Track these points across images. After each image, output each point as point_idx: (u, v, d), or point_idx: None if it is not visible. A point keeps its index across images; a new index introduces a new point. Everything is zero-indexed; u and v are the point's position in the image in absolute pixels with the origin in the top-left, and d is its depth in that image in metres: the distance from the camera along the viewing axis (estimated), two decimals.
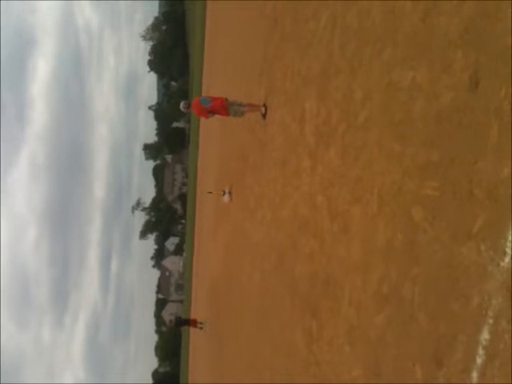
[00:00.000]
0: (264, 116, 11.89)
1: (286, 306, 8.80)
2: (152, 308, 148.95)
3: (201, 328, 28.96)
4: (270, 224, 10.76)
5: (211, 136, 34.90)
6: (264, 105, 11.98)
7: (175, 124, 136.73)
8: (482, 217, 3.62)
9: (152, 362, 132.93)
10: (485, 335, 3.37)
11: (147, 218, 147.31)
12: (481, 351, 3.38)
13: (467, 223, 3.74)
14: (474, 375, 3.41)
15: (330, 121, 7.21)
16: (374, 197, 5.51)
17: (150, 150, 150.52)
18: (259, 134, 12.69)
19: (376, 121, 5.61)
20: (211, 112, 12.28)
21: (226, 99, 12.30)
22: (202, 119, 47.57)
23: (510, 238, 3.30)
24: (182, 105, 12.61)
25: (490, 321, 3.36)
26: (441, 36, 4.42)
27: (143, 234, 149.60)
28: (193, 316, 38.62)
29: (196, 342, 38.74)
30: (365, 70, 6.07)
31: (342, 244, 6.31)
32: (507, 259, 3.30)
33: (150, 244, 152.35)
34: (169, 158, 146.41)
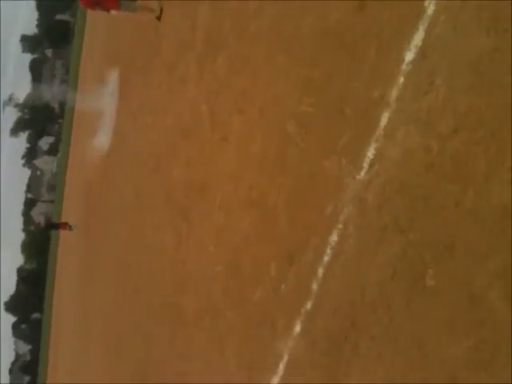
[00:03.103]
0: (158, 19, 11.38)
1: (159, 208, 8.98)
2: (20, 207, 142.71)
3: (71, 229, 28.47)
4: (151, 129, 10.67)
5: (98, 33, 32.82)
6: (160, 6, 11.42)
7: (59, 16, 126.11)
8: (347, 134, 3.93)
9: (17, 259, 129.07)
10: (334, 237, 3.78)
11: (20, 115, 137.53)
12: (328, 251, 3.80)
13: (334, 139, 4.05)
14: (320, 271, 3.85)
15: (221, 29, 7.18)
16: (255, 109, 5.69)
17: (29, 43, 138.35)
18: (149, 35, 12.23)
19: (266, 33, 5.69)
20: (98, 4, 11.32)
21: None
22: (90, 12, 44.33)
23: (367, 154, 3.65)
24: None
25: (340, 226, 3.76)
26: None
27: (14, 132, 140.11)
28: (64, 218, 37.71)
29: (66, 242, 38.05)
30: None
31: (220, 152, 6.51)
32: (363, 173, 3.66)
33: (21, 142, 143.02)
34: (49, 52, 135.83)
